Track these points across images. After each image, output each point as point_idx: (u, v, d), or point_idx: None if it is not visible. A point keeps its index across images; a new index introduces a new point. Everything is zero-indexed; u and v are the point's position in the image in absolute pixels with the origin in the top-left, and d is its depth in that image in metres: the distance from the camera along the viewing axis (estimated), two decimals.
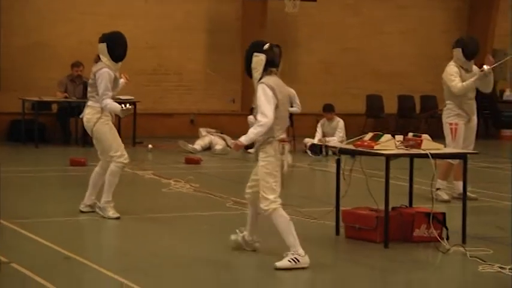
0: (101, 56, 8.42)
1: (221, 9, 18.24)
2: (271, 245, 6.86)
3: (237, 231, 7.01)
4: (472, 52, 9.63)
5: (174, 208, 9.16)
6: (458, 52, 9.63)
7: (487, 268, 6.52)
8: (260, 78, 6.60)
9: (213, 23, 18.21)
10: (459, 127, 9.59)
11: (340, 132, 15.16)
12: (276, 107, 6.52)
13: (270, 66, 6.62)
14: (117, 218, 8.23)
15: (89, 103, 8.42)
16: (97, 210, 8.35)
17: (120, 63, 8.46)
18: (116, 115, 8.43)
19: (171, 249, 7.22)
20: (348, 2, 19.27)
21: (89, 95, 8.48)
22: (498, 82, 19.93)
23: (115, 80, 8.41)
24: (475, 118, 9.71)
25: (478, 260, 6.76)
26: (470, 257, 6.87)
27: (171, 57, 17.83)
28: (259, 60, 6.61)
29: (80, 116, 8.65)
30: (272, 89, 6.54)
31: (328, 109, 15.27)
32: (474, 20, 20.13)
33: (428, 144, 7.47)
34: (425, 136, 7.58)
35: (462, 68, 9.61)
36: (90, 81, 8.53)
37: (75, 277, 6.18)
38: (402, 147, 7.43)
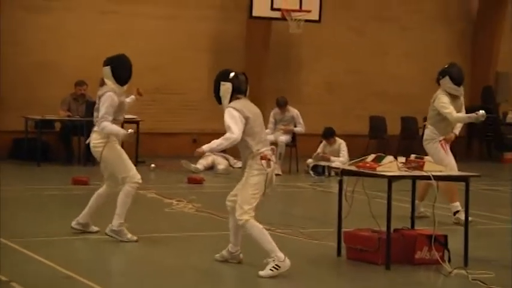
0: (105, 80, 8.26)
1: (225, 29, 18.30)
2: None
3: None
4: (460, 77, 9.72)
5: (176, 228, 9.13)
6: (446, 81, 9.70)
7: None
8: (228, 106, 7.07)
9: (217, 43, 18.26)
10: (445, 143, 9.70)
11: (344, 153, 15.11)
12: (247, 124, 6.92)
13: (237, 93, 7.08)
14: (136, 241, 8.03)
15: (95, 128, 8.22)
16: (110, 234, 8.06)
17: (125, 87, 8.32)
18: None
19: (173, 269, 7.19)
20: (352, 23, 19.33)
21: (95, 120, 8.26)
22: (500, 105, 19.97)
23: (120, 105, 8.24)
24: None
25: (479, 283, 6.73)
26: (472, 279, 6.84)
27: (174, 76, 17.87)
28: (226, 88, 7.06)
29: (86, 142, 8.48)
30: (238, 110, 6.95)
31: (329, 135, 15.20)
32: (477, 43, 20.17)
33: (430, 166, 7.46)
34: (427, 158, 7.58)
35: (451, 95, 9.67)
36: (96, 105, 8.31)
37: None
38: (404, 169, 7.42)
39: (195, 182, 13.22)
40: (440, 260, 7.32)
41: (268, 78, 18.21)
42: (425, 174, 7.37)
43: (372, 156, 7.56)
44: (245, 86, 7.15)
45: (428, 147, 9.76)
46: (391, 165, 7.36)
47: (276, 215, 9.96)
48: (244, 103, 7.07)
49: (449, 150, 9.70)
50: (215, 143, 6.99)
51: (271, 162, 6.92)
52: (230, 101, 7.06)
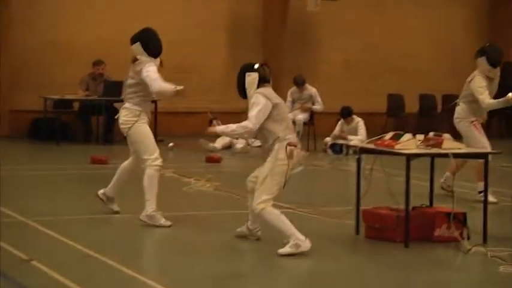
0: (138, 57, 8.12)
1: (242, 7, 18.24)
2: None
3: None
4: (496, 59, 9.55)
5: (195, 207, 9.17)
6: (483, 61, 9.53)
7: (508, 268, 6.47)
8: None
9: (234, 21, 18.21)
10: (478, 123, 9.60)
11: (362, 131, 15.06)
12: (276, 110, 6.90)
13: (263, 82, 7.07)
14: (169, 226, 7.97)
15: (126, 105, 8.14)
16: (144, 219, 7.99)
17: (159, 59, 8.23)
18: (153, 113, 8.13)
19: (192, 247, 7.23)
20: (369, 0, 19.21)
21: (127, 96, 8.18)
22: None
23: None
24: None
25: (498, 260, 6.72)
26: (491, 257, 6.83)
27: (191, 55, 17.85)
28: (252, 79, 7.06)
29: (116, 117, 8.39)
30: (267, 96, 6.93)
31: (347, 114, 15.14)
32: (495, 17, 20.00)
33: (449, 144, 7.43)
34: (446, 135, 7.53)
35: (488, 77, 9.51)
36: (129, 81, 8.19)
37: (94, 275, 6.20)
38: (423, 146, 7.40)
39: (213, 161, 13.24)
40: (459, 238, 7.30)
41: (286, 56, 18.16)
42: (443, 151, 7.34)
43: (390, 134, 7.53)
44: (269, 76, 7.17)
45: (460, 125, 9.71)
46: (409, 143, 7.33)
47: (295, 193, 9.96)
48: (271, 90, 7.08)
49: (482, 131, 9.61)
50: (230, 127, 7.03)
51: (297, 151, 6.85)
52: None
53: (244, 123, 6.94)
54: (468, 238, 7.36)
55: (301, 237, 6.72)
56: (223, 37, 18.13)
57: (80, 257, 6.68)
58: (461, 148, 7.57)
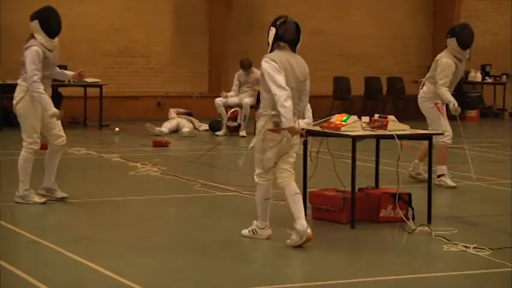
0: (35, 35, 8.01)
1: None
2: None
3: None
4: (467, 41, 9.44)
5: (141, 191, 9.12)
6: (453, 42, 9.42)
7: (452, 247, 6.59)
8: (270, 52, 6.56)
9: (179, 4, 18.09)
10: (442, 105, 9.55)
11: (309, 113, 15.12)
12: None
13: (279, 40, 6.56)
14: (44, 203, 8.05)
15: (18, 81, 8.13)
16: (18, 200, 8.10)
17: (56, 39, 8.09)
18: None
19: (138, 232, 7.20)
20: None
21: (21, 72, 8.10)
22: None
23: (48, 59, 8.02)
24: None
25: (443, 239, 6.83)
26: (436, 236, 6.94)
27: (137, 39, 17.71)
28: (271, 34, 6.59)
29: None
30: (273, 60, 6.48)
31: None
32: (439, 1, 20.22)
33: (394, 125, 7.50)
34: (391, 117, 7.60)
35: (456, 58, 9.43)
36: (23, 58, 8.07)
37: (40, 261, 6.13)
38: (368, 128, 7.46)
39: (160, 145, 13.18)
40: (404, 218, 7.40)
41: (232, 40, 18.12)
42: (388, 133, 7.41)
43: (336, 116, 7.58)
44: (291, 36, 6.55)
45: (424, 105, 9.62)
46: (355, 125, 7.38)
47: (242, 176, 9.99)
48: (284, 56, 6.54)
49: (445, 113, 9.56)
50: (284, 111, 6.33)
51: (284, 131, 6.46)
52: (272, 49, 6.58)
53: (283, 97, 6.34)
54: (413, 218, 7.46)
55: (262, 224, 6.72)
56: (169, 21, 18.00)
57: (25, 243, 6.60)
58: (405, 130, 7.65)
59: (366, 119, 7.57)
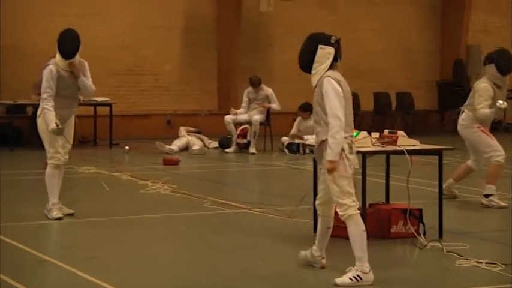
0: (56, 55, 8.36)
1: (197, 7, 18.21)
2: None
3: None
4: (506, 67, 9.25)
5: (152, 209, 9.12)
6: (492, 68, 9.24)
7: (464, 263, 6.55)
8: (324, 73, 6.17)
9: (188, 21, 18.17)
10: (484, 128, 9.35)
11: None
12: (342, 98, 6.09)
13: (336, 61, 6.26)
14: (59, 219, 8.18)
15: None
16: (45, 212, 8.31)
17: (71, 61, 8.26)
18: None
19: (149, 250, 7.19)
20: (322, 0, 19.31)
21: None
22: (471, 78, 20.07)
23: (63, 79, 8.26)
24: None
25: (454, 254, 6.80)
26: (447, 252, 6.91)
27: (146, 57, 17.77)
28: (326, 53, 6.22)
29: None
30: (338, 81, 6.13)
31: (305, 108, 15.16)
32: (447, 16, 20.26)
33: (403, 141, 7.49)
34: (400, 133, 7.60)
35: (495, 84, 9.24)
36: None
37: (50, 280, 6.13)
38: (378, 144, 7.45)
39: (171, 163, 13.19)
40: (415, 234, 7.37)
41: (240, 57, 18.17)
42: (399, 149, 7.40)
43: None
44: (341, 54, 6.27)
45: (465, 132, 9.43)
46: (364, 141, 7.38)
47: (252, 193, 9.98)
48: (340, 76, 6.22)
49: (491, 134, 9.37)
50: (334, 143, 5.95)
51: (354, 148, 6.15)
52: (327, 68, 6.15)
53: (336, 128, 5.96)
54: (424, 234, 7.43)
55: (366, 268, 6.03)
56: (178, 37, 18.07)
57: (34, 262, 6.60)
58: (415, 145, 7.64)
59: (375, 134, 7.56)
